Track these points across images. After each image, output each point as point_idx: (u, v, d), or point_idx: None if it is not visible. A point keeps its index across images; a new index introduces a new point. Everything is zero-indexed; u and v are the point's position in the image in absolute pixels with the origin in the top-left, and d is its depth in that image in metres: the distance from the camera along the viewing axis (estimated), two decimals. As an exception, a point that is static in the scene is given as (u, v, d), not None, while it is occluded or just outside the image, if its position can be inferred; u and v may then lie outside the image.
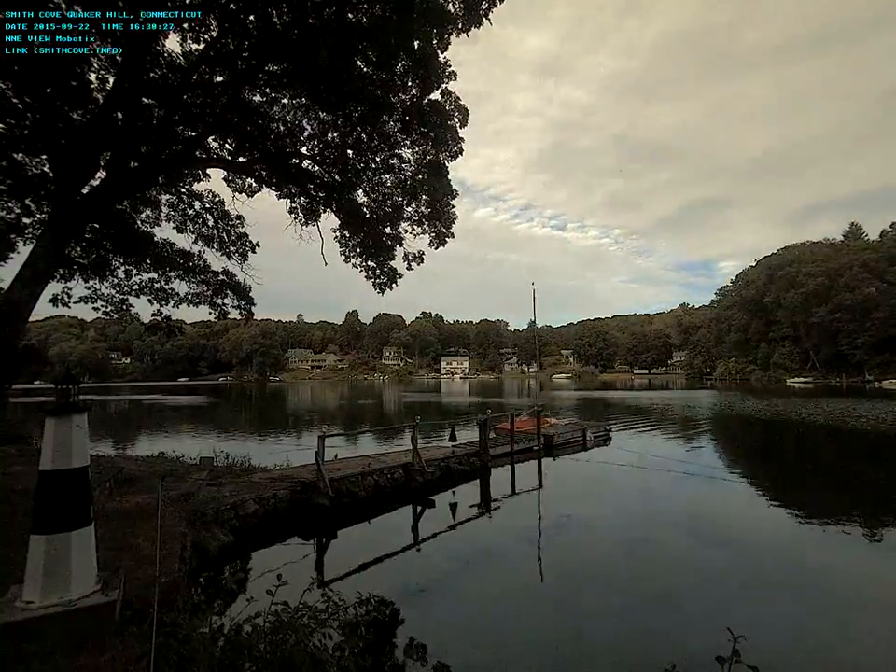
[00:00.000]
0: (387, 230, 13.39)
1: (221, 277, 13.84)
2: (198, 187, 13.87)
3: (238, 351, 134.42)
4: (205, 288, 13.82)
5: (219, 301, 14.07)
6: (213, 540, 7.28)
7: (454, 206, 13.25)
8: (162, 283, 13.49)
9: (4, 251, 10.81)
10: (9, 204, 10.27)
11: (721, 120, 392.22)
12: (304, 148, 12.55)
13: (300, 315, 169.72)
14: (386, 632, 5.11)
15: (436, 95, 11.43)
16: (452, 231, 13.49)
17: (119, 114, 9.58)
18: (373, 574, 6.95)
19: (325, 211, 13.73)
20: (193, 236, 13.91)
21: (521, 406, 30.02)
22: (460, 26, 9.86)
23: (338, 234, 13.91)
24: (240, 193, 13.98)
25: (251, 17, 9.08)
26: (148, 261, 12.89)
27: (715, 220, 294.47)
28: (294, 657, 2.83)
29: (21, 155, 9.54)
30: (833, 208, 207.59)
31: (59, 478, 3.48)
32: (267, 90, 11.12)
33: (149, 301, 13.53)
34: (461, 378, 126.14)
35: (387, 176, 13.01)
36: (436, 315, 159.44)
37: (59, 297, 12.23)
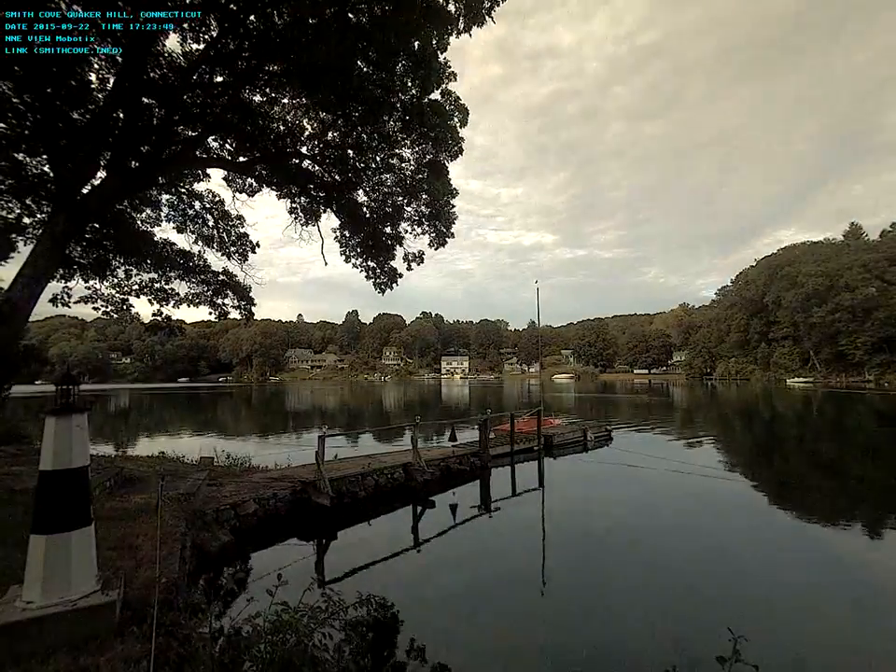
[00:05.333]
0: (387, 229, 13.40)
1: (221, 277, 13.85)
2: (198, 187, 13.87)
3: (238, 351, 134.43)
4: (205, 288, 13.83)
5: (219, 301, 14.09)
6: (213, 540, 7.28)
7: (454, 206, 13.24)
8: (162, 283, 13.50)
9: (5, 251, 10.80)
10: (10, 204, 10.27)
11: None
12: (304, 148, 12.53)
13: (300, 315, 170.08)
14: (386, 632, 5.11)
15: (436, 95, 11.44)
16: (452, 231, 13.48)
17: (120, 114, 9.58)
18: (373, 574, 6.95)
19: (325, 211, 13.74)
20: (193, 236, 13.92)
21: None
22: (461, 27, 9.86)
23: (338, 234, 13.92)
24: (240, 193, 13.98)
25: (251, 17, 9.07)
26: (148, 261, 12.90)
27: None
28: (294, 657, 2.83)
29: (21, 155, 9.54)
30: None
31: (59, 478, 3.48)
32: (267, 90, 11.11)
33: (149, 301, 13.54)
34: (461, 378, 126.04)
35: (387, 176, 12.99)
36: (436, 315, 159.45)
37: (59, 297, 12.24)
